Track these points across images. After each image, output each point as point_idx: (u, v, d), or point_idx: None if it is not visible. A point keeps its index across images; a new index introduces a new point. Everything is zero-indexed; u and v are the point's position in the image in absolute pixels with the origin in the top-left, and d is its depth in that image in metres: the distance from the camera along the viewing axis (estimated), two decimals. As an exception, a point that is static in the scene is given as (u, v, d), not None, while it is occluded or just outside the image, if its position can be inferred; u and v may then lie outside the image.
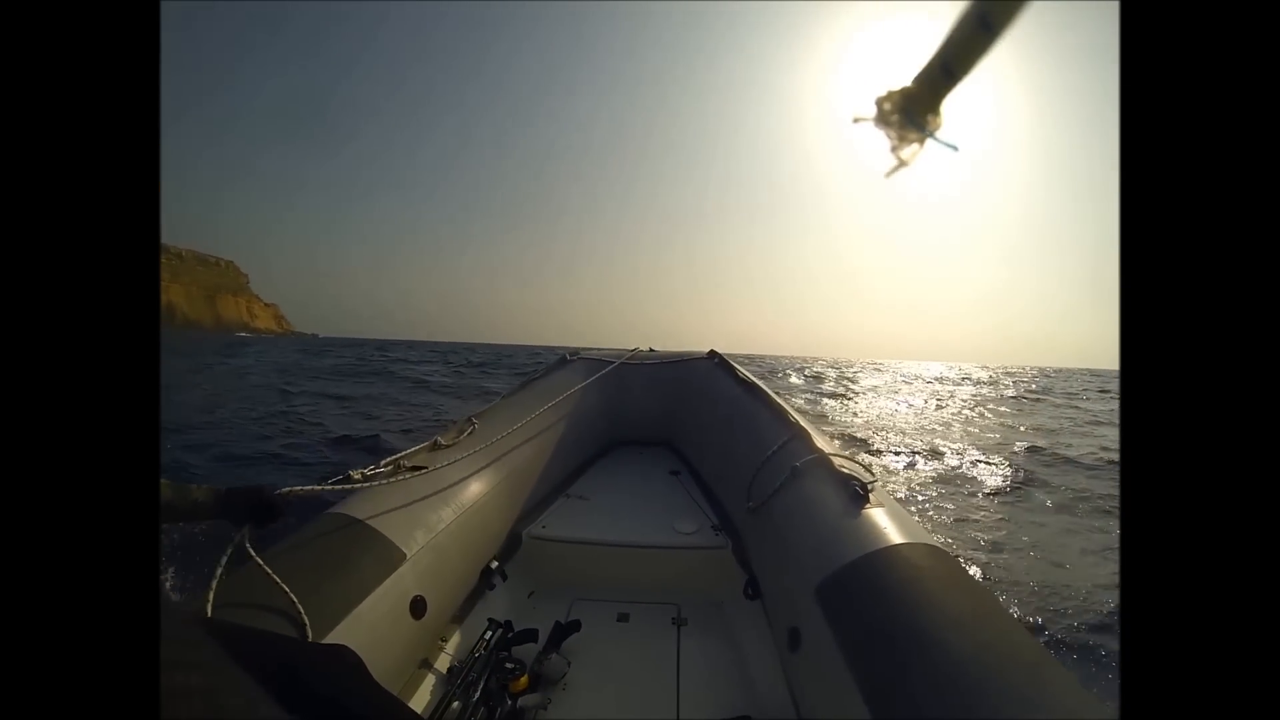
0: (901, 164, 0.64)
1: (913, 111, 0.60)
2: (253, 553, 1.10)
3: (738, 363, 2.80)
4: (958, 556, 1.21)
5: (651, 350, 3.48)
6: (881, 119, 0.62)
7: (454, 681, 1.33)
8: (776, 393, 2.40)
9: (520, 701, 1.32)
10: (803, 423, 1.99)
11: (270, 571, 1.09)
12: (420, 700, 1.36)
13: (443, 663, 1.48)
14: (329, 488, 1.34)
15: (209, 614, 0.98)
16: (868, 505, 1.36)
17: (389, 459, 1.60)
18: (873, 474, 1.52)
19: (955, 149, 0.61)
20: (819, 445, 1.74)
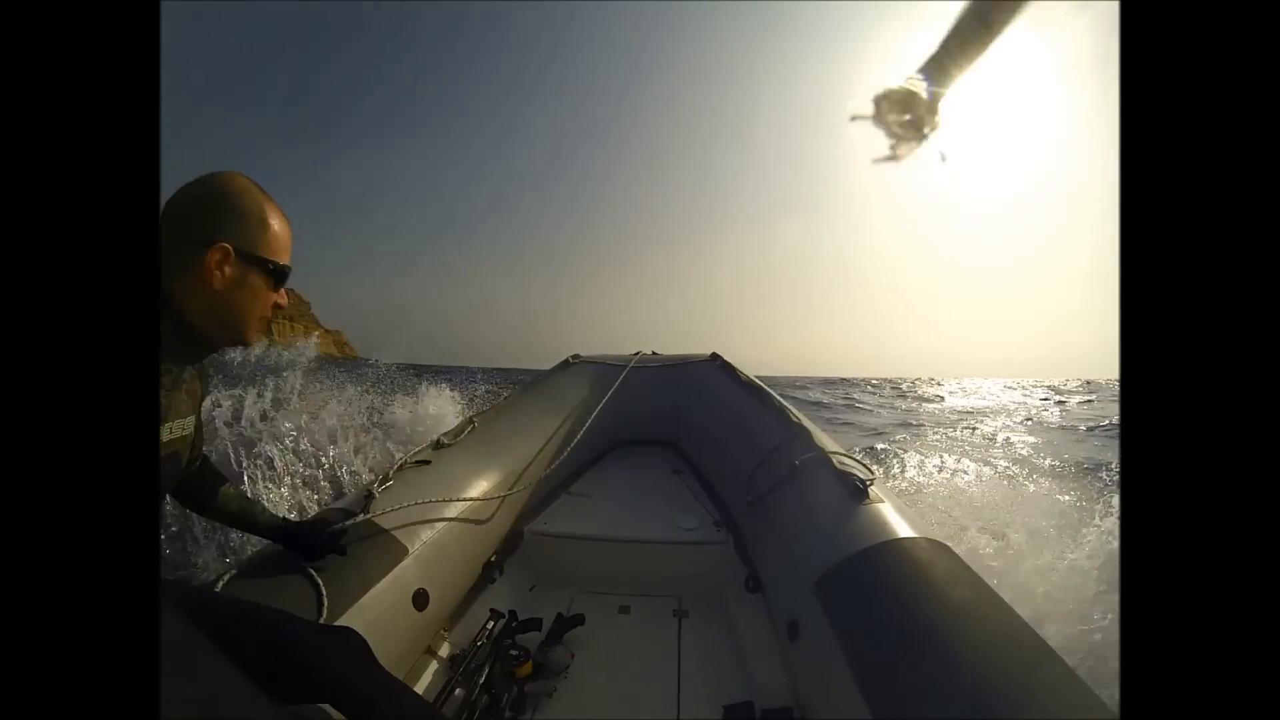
0: (892, 157, 0.64)
1: (911, 111, 0.60)
2: (312, 570, 1.15)
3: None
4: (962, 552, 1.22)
5: (654, 353, 3.49)
6: (879, 118, 0.62)
7: (457, 669, 1.34)
8: (778, 393, 2.41)
9: (526, 688, 1.34)
10: (804, 421, 2.00)
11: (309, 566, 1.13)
12: (423, 687, 1.38)
13: (445, 651, 1.50)
14: (353, 501, 1.45)
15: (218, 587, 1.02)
16: (868, 500, 1.37)
17: (397, 459, 1.67)
18: (872, 471, 1.53)
19: (944, 159, 0.61)
20: (820, 443, 1.75)
